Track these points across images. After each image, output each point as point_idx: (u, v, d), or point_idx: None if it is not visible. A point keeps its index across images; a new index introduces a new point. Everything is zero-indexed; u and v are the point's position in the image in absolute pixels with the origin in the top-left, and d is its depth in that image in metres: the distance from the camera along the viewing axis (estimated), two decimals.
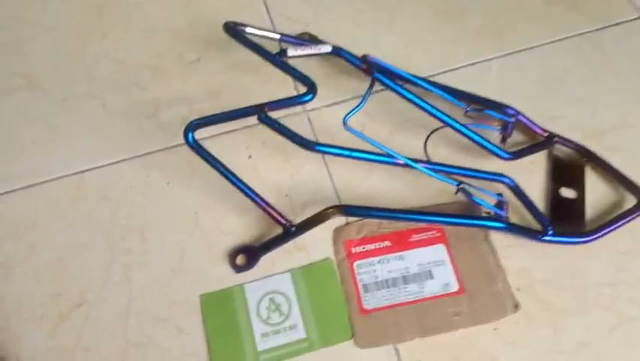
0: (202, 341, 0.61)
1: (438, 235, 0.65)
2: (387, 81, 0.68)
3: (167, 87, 0.76)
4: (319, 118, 0.74)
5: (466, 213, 0.66)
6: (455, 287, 0.62)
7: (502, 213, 0.63)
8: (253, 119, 0.65)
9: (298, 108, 0.73)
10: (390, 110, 0.73)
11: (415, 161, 0.64)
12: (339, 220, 0.66)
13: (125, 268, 0.65)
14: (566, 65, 0.78)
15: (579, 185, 0.68)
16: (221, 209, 0.67)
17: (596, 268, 0.64)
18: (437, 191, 0.67)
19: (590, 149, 0.70)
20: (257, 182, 0.65)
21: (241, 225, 0.66)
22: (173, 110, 0.74)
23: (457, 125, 0.67)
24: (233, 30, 0.72)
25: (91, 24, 0.82)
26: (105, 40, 0.81)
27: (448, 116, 0.67)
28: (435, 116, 0.67)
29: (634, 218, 0.65)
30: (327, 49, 0.67)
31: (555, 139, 0.70)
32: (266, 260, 0.64)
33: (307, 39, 0.77)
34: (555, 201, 0.67)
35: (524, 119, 0.70)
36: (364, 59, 0.70)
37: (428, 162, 0.67)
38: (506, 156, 0.68)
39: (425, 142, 0.69)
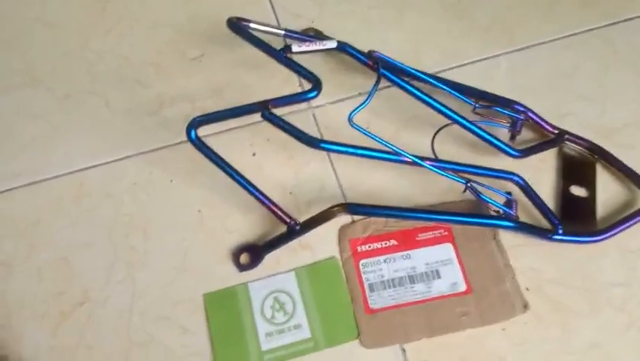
0: (206, 341, 0.60)
1: (445, 233, 0.64)
2: (394, 77, 0.67)
3: (170, 84, 0.75)
4: (324, 115, 0.73)
5: (475, 212, 0.65)
6: (463, 287, 0.61)
7: (512, 211, 0.62)
8: (257, 116, 0.64)
9: (303, 105, 0.72)
10: (397, 107, 0.72)
11: (422, 159, 0.63)
12: (344, 218, 0.65)
13: (128, 267, 0.64)
14: (576, 61, 0.76)
15: (590, 183, 0.67)
16: (225, 207, 0.66)
17: (607, 268, 0.63)
18: (444, 189, 0.66)
19: (601, 146, 0.69)
20: (261, 179, 0.65)
21: (245, 223, 0.66)
22: (176, 107, 0.73)
23: (466, 123, 0.66)
24: (237, 26, 0.71)
25: (93, 20, 0.81)
26: (107, 37, 0.80)
27: (456, 113, 0.66)
28: (442, 113, 0.66)
29: None
30: (333, 44, 0.66)
31: (565, 136, 0.69)
32: (270, 259, 0.63)
33: (312, 35, 0.76)
34: (565, 199, 0.66)
35: (534, 116, 0.69)
36: (370, 54, 0.69)
37: (435, 159, 0.65)
38: (515, 153, 0.67)
39: (432, 139, 0.68)
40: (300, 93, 0.63)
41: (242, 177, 0.62)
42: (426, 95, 0.66)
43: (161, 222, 0.66)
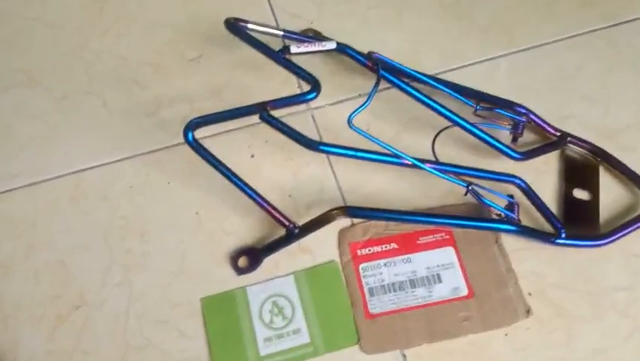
0: (203, 345, 0.59)
1: (447, 237, 0.63)
2: (394, 79, 0.66)
3: (168, 85, 0.75)
4: (323, 116, 0.72)
5: (476, 215, 0.64)
6: (464, 291, 0.61)
7: (513, 215, 0.61)
8: (256, 118, 0.63)
9: (302, 106, 0.71)
10: (397, 109, 0.71)
11: (423, 161, 0.62)
12: (344, 222, 0.65)
13: (124, 270, 0.63)
14: (578, 62, 0.75)
15: (593, 186, 0.66)
16: (223, 209, 0.66)
17: (610, 272, 0.62)
18: (445, 192, 0.65)
19: (604, 149, 0.68)
20: (259, 182, 0.64)
21: (244, 226, 0.65)
22: (174, 108, 0.73)
23: (466, 125, 0.65)
24: (235, 27, 0.70)
25: (91, 20, 0.81)
26: (106, 37, 0.79)
27: (457, 115, 0.65)
28: (443, 115, 0.65)
29: None
30: (332, 45, 0.66)
31: (568, 139, 0.68)
32: (269, 262, 0.63)
33: (311, 36, 0.75)
34: (568, 202, 0.65)
35: (536, 118, 0.68)
36: (370, 55, 0.68)
37: (436, 162, 0.65)
38: (517, 156, 0.66)
39: (433, 142, 0.67)
40: (299, 95, 0.63)
41: (240, 179, 0.61)
42: (426, 96, 0.66)
43: (159, 225, 0.65)
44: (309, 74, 0.64)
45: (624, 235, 0.62)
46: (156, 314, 0.61)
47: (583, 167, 0.68)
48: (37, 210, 0.67)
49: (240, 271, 0.62)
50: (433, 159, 0.67)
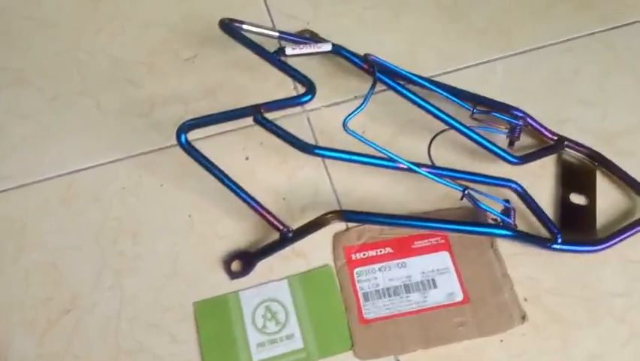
0: (195, 350, 0.59)
1: (442, 241, 0.63)
2: (390, 82, 0.66)
3: (163, 85, 0.74)
4: (319, 118, 0.71)
5: (472, 220, 0.63)
6: (460, 297, 0.60)
7: (510, 220, 0.60)
8: (250, 119, 0.62)
9: (297, 108, 0.70)
10: (393, 112, 0.70)
11: (419, 165, 0.62)
12: (338, 225, 0.64)
13: (116, 273, 0.62)
14: (576, 65, 0.75)
15: (590, 191, 0.66)
16: (216, 212, 0.65)
17: (607, 278, 0.62)
18: (441, 196, 0.65)
19: (601, 153, 0.68)
20: (254, 184, 0.63)
21: (237, 229, 0.64)
22: (168, 109, 0.72)
23: (463, 128, 0.64)
24: (229, 27, 0.69)
25: (85, 19, 0.79)
26: (99, 36, 0.78)
27: (453, 118, 0.65)
28: (439, 118, 0.65)
29: None
30: (327, 47, 0.65)
31: (565, 143, 0.68)
32: (262, 266, 0.62)
33: (307, 37, 0.74)
34: (565, 207, 0.65)
35: (533, 122, 0.68)
36: (366, 58, 0.68)
37: (432, 166, 0.64)
38: (514, 160, 0.65)
39: (429, 145, 0.67)
40: (294, 97, 0.62)
41: (233, 182, 0.61)
42: (422, 99, 0.65)
43: (151, 227, 0.65)
44: (304, 76, 0.63)
45: (621, 240, 0.62)
46: (148, 318, 0.60)
47: (580, 171, 0.67)
48: (28, 212, 0.66)
49: (233, 275, 0.61)
50: (429, 162, 0.66)
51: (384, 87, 0.67)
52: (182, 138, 0.60)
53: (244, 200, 0.61)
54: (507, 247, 0.62)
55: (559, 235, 0.61)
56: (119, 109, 0.72)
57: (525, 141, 0.69)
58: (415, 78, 0.68)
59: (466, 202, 0.61)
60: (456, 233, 0.62)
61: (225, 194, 0.62)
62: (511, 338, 0.58)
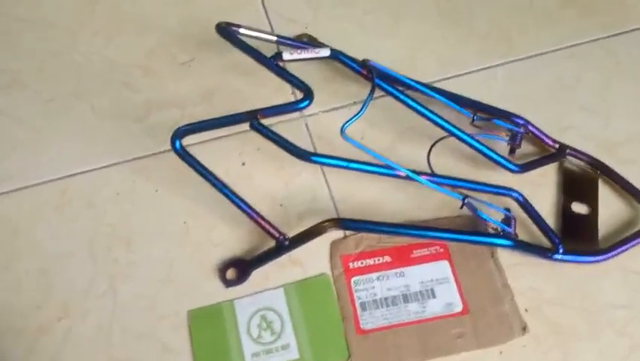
0: (189, 360, 0.57)
1: (441, 250, 0.62)
2: (389, 88, 0.65)
3: (159, 89, 0.73)
4: (317, 124, 0.70)
5: (471, 229, 0.62)
6: (459, 307, 0.59)
7: (510, 229, 0.59)
8: (247, 124, 0.61)
9: (295, 114, 0.69)
10: (393, 118, 0.69)
11: (418, 173, 0.61)
12: (336, 233, 0.63)
13: (109, 280, 0.61)
14: (578, 72, 0.74)
15: (592, 200, 0.65)
16: (211, 219, 0.64)
17: (608, 289, 0.61)
18: (440, 204, 0.64)
19: (603, 161, 0.67)
20: (250, 191, 0.62)
21: (232, 236, 0.63)
22: (164, 113, 0.71)
23: (463, 135, 0.63)
24: (226, 31, 0.68)
25: (82, 21, 0.78)
26: (96, 38, 0.77)
27: (454, 125, 0.64)
28: (439, 126, 0.64)
29: None
30: (326, 53, 0.64)
31: (567, 151, 0.67)
32: (258, 274, 0.61)
33: (306, 41, 0.73)
34: (566, 217, 0.64)
35: (534, 130, 0.67)
36: (365, 63, 0.67)
37: (431, 174, 0.63)
38: (515, 168, 0.64)
39: (428, 153, 0.66)
40: (291, 103, 0.61)
41: (229, 189, 0.60)
42: (422, 106, 0.64)
43: (145, 234, 0.64)
44: (302, 82, 0.62)
45: (623, 250, 0.61)
46: (141, 327, 0.59)
47: (582, 180, 0.66)
48: (20, 217, 0.65)
49: (228, 283, 0.60)
50: (429, 169, 0.65)
51: (383, 93, 0.66)
52: (177, 144, 0.59)
53: (240, 207, 0.60)
54: (507, 257, 0.61)
55: (560, 245, 0.60)
56: (115, 113, 0.71)
57: (526, 148, 0.68)
58: (414, 84, 0.67)
59: (466, 211, 0.61)
60: (455, 242, 0.61)
61: (221, 200, 0.61)
62: (511, 350, 0.57)
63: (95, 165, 0.68)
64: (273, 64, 0.64)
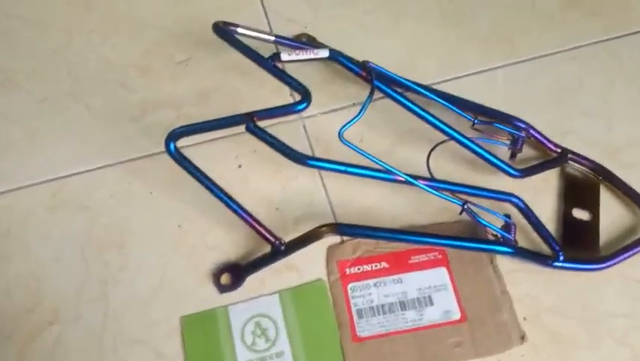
0: None
1: (440, 257, 0.61)
2: (389, 90, 0.64)
3: (155, 89, 0.72)
4: (315, 126, 0.69)
5: (471, 234, 0.61)
6: (457, 315, 0.58)
7: (510, 236, 0.58)
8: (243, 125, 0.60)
9: (293, 115, 0.68)
10: (392, 120, 0.68)
11: (417, 178, 0.59)
12: (333, 238, 0.62)
13: (101, 284, 0.60)
14: (580, 75, 0.73)
15: (593, 206, 0.64)
16: (206, 222, 0.63)
17: (609, 298, 0.60)
18: (439, 208, 0.63)
19: (605, 167, 0.66)
20: (246, 194, 0.61)
21: (228, 240, 0.62)
22: (160, 113, 0.70)
23: (463, 139, 0.62)
24: (223, 31, 0.67)
25: (77, 19, 0.77)
26: (91, 36, 0.76)
27: (454, 128, 0.63)
28: (439, 129, 0.63)
29: None
30: (324, 54, 0.62)
31: (568, 156, 0.66)
32: (253, 280, 0.60)
33: (305, 41, 0.72)
34: (567, 223, 0.63)
35: (536, 134, 0.66)
36: (364, 65, 0.65)
37: (431, 179, 0.62)
38: (515, 173, 0.63)
39: (428, 157, 0.64)
40: (288, 105, 0.60)
41: (224, 192, 0.59)
42: (422, 109, 0.63)
43: (139, 237, 0.63)
44: (300, 84, 0.61)
45: (625, 258, 0.60)
46: (133, 333, 0.58)
47: (583, 185, 0.65)
48: (12, 219, 0.64)
49: (223, 288, 0.59)
50: (428, 173, 0.64)
51: (383, 94, 0.65)
52: (171, 146, 0.58)
53: (235, 211, 0.59)
54: (506, 264, 0.61)
55: (560, 252, 0.59)
56: (110, 113, 0.70)
57: (527, 153, 0.67)
58: (414, 86, 0.66)
59: (465, 216, 0.59)
60: (454, 249, 0.60)
61: (216, 204, 0.60)
62: (509, 359, 0.56)
63: (89, 166, 0.67)
64: (271, 65, 0.63)
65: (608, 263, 0.60)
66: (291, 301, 0.59)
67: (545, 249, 0.60)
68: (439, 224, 0.62)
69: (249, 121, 0.57)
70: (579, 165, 0.66)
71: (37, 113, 0.70)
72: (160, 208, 0.64)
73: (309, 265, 0.61)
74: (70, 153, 0.67)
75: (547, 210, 0.64)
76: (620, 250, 0.60)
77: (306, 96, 0.59)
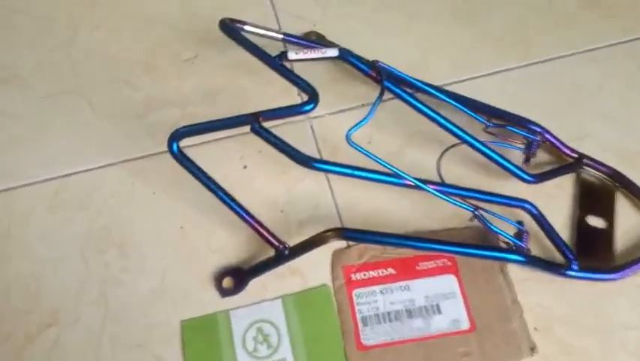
0: None
1: (449, 264, 0.59)
2: (399, 91, 0.62)
3: (160, 87, 0.70)
4: (323, 127, 0.68)
5: (482, 241, 0.59)
6: (466, 324, 0.56)
7: (522, 244, 0.56)
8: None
9: (299, 116, 0.66)
10: (402, 121, 0.66)
11: (426, 182, 0.58)
12: (338, 242, 0.60)
13: (101, 286, 0.59)
14: (598, 77, 0.71)
15: (609, 214, 0.62)
16: (209, 224, 0.61)
17: (623, 309, 0.58)
18: (449, 214, 0.61)
19: (622, 173, 0.63)
20: (251, 195, 0.60)
21: (230, 243, 0.61)
22: (164, 112, 0.68)
23: (475, 143, 0.61)
24: (230, 28, 0.66)
25: (82, 14, 0.76)
26: (96, 33, 0.75)
27: (466, 131, 0.61)
28: (450, 132, 0.61)
29: None
30: (333, 53, 0.61)
31: (584, 161, 0.64)
32: (255, 284, 0.58)
33: (314, 39, 0.70)
34: (581, 231, 0.61)
35: (551, 138, 0.64)
36: (374, 65, 0.64)
37: (441, 183, 0.60)
38: (529, 178, 0.61)
39: (438, 161, 0.63)
40: (295, 106, 0.58)
41: (227, 195, 0.57)
42: (433, 110, 0.61)
43: (140, 238, 0.61)
44: (307, 84, 0.59)
45: None
46: (132, 337, 0.57)
47: (599, 192, 0.63)
48: (12, 218, 0.63)
49: (224, 292, 0.58)
50: (438, 177, 0.62)
51: (393, 95, 0.63)
52: (174, 147, 0.56)
53: (238, 214, 0.57)
54: (517, 272, 0.59)
55: (574, 261, 0.57)
56: (113, 111, 0.69)
57: (541, 157, 0.65)
58: (425, 87, 0.64)
59: (476, 222, 0.58)
60: (464, 256, 0.58)
61: (220, 205, 0.59)
62: None
63: (91, 164, 0.65)
64: (278, 63, 0.61)
65: (623, 273, 0.58)
66: (294, 307, 0.57)
67: (558, 257, 0.59)
68: (449, 230, 0.61)
69: (254, 122, 0.56)
70: (595, 171, 0.64)
71: (39, 110, 0.70)
72: (162, 209, 0.63)
73: (313, 269, 0.59)
74: (73, 151, 0.66)
75: (560, 217, 0.62)
76: (635, 260, 0.58)
77: (313, 97, 0.57)
